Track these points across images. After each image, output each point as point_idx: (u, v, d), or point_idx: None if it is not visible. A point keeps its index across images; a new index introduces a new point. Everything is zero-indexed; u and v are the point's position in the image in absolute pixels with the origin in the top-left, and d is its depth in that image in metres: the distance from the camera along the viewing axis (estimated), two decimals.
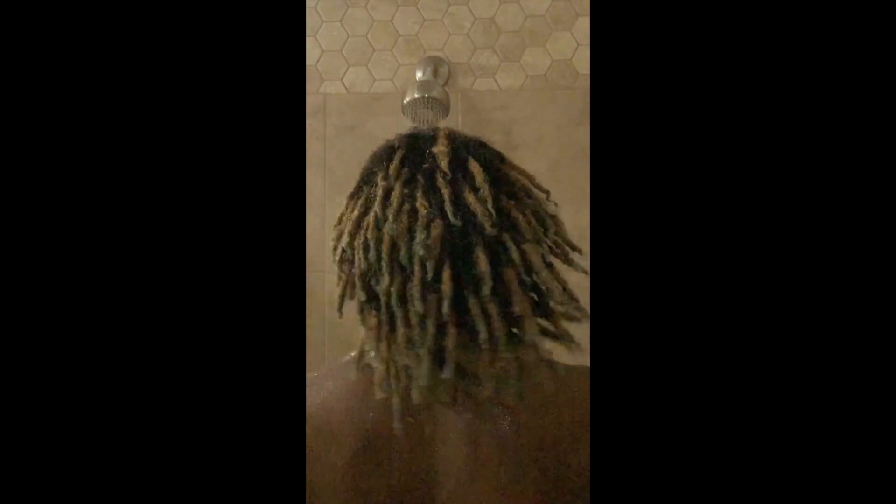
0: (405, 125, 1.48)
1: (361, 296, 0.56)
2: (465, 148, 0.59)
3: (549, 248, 0.59)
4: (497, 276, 0.54)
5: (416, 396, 0.53)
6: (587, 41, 1.52)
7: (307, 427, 0.59)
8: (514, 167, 0.62)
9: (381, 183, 0.58)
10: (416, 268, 0.53)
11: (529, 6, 1.54)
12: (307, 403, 0.61)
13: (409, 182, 0.57)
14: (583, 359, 0.58)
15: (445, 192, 0.55)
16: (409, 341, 0.53)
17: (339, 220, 0.61)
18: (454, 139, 0.60)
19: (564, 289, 0.56)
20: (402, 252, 0.54)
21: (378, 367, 0.55)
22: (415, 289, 0.53)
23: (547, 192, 0.62)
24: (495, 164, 0.59)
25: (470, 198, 0.55)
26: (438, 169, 0.56)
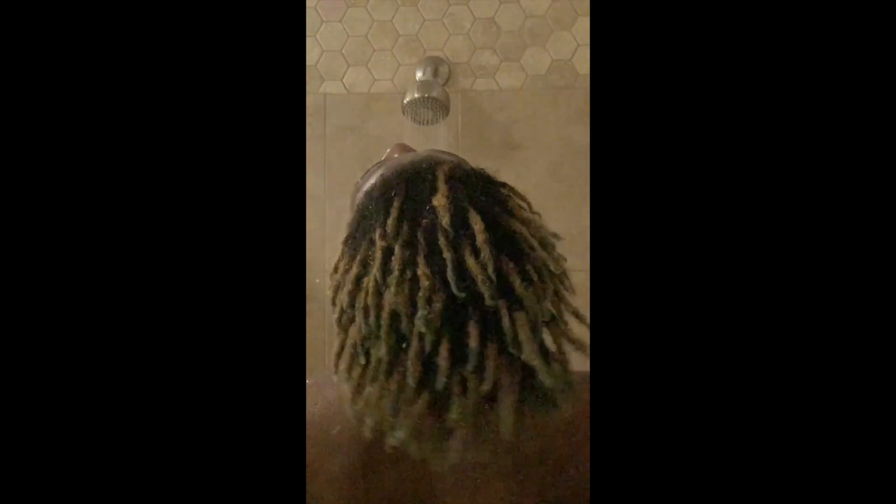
0: (405, 125, 1.49)
1: (362, 360, 0.54)
2: (467, 195, 0.55)
3: (550, 312, 0.55)
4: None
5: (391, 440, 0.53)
6: (587, 41, 1.52)
7: (306, 436, 0.59)
8: (518, 215, 0.57)
9: (379, 242, 0.54)
10: (415, 341, 0.51)
11: (529, 6, 1.54)
12: (306, 412, 0.60)
13: (410, 244, 0.53)
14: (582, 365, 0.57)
15: (448, 255, 0.52)
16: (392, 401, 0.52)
17: (336, 269, 0.58)
18: (454, 181, 0.56)
19: (550, 361, 0.53)
20: (404, 324, 0.52)
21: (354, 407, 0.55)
22: (411, 362, 0.51)
23: (556, 237, 0.58)
24: (496, 213, 0.55)
25: (470, 262, 0.52)
26: (439, 226, 0.53)
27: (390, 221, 0.54)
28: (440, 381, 0.51)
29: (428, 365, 0.52)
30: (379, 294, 0.53)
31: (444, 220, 0.53)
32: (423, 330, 0.51)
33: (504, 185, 0.59)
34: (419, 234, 0.53)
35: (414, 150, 0.69)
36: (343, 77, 1.56)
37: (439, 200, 0.54)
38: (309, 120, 1.53)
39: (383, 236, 0.54)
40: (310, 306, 1.07)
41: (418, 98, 1.43)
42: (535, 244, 0.55)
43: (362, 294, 0.54)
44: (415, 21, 1.56)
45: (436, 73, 1.52)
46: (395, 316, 0.52)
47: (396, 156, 0.68)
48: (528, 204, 0.60)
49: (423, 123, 1.48)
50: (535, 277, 0.53)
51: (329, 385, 0.63)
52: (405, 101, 1.45)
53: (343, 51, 1.56)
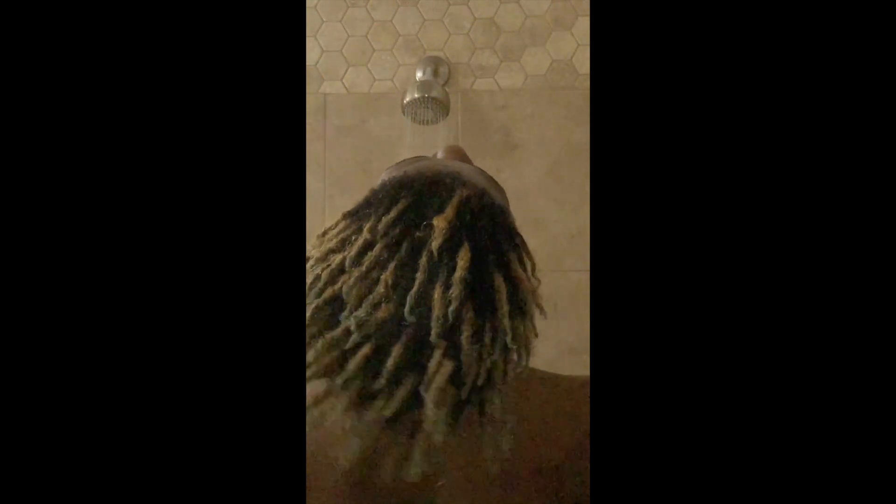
0: (405, 125, 1.49)
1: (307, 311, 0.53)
2: (470, 229, 0.53)
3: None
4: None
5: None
6: (587, 41, 1.52)
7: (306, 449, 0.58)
8: (510, 271, 0.54)
9: (364, 233, 0.53)
10: (352, 339, 0.50)
11: (529, 6, 1.54)
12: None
13: (392, 246, 0.52)
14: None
15: (420, 278, 0.50)
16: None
17: (325, 233, 0.58)
18: (465, 210, 0.54)
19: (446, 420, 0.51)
20: (345, 314, 0.51)
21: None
22: (353, 363, 0.49)
23: (543, 312, 0.56)
24: (488, 260, 0.53)
25: (437, 293, 0.50)
26: (427, 247, 0.51)
27: (385, 219, 0.54)
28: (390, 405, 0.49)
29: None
30: (338, 272, 0.52)
31: (436, 242, 0.51)
32: (352, 328, 0.50)
33: (518, 236, 0.57)
34: (405, 244, 0.52)
35: (466, 160, 0.67)
36: (343, 77, 1.56)
37: (440, 222, 0.52)
38: (309, 120, 1.53)
39: (371, 230, 0.53)
40: None
41: (418, 98, 1.43)
42: (506, 309, 0.52)
43: (322, 265, 0.54)
44: (415, 21, 1.56)
45: (436, 73, 1.52)
46: (335, 301, 0.51)
47: (440, 156, 0.67)
48: (533, 264, 0.58)
49: (423, 123, 1.48)
50: (488, 340, 0.51)
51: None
52: (405, 101, 1.45)
53: (343, 51, 1.56)
